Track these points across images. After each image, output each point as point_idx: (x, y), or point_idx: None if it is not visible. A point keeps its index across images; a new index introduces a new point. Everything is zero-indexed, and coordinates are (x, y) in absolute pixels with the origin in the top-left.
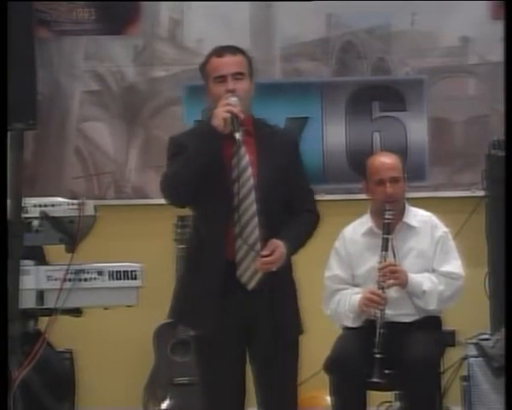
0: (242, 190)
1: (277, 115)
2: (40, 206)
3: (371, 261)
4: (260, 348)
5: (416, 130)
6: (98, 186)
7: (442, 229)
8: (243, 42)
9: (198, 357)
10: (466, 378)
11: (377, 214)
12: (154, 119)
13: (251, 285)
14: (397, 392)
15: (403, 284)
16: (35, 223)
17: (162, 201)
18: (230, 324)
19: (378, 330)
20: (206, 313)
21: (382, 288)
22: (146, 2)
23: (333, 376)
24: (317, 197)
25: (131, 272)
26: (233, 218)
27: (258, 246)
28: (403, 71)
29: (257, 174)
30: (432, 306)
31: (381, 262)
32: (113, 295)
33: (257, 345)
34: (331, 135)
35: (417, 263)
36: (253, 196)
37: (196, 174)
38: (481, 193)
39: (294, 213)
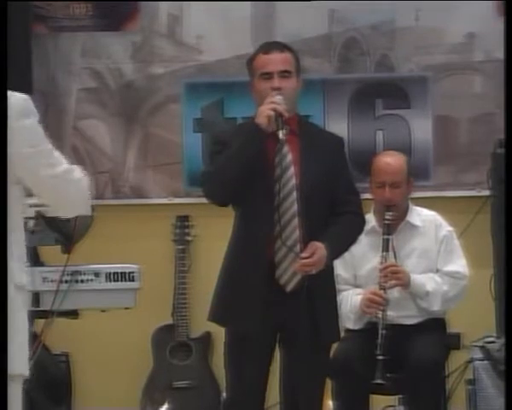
0: (284, 189)
1: None
2: (36, 206)
3: (373, 261)
4: (295, 350)
5: (421, 128)
6: (95, 186)
7: (446, 228)
8: (244, 38)
9: (229, 353)
10: (471, 382)
11: (380, 214)
12: (152, 116)
13: (289, 287)
14: (400, 396)
15: (405, 284)
16: (30, 223)
17: (161, 200)
18: (267, 323)
19: (380, 332)
20: (244, 312)
21: (384, 288)
22: None
23: (335, 379)
24: None
25: (129, 273)
26: (274, 217)
27: (298, 247)
28: (407, 68)
29: (299, 174)
30: (436, 307)
31: (381, 263)
32: (111, 297)
33: (292, 347)
34: None
35: (421, 263)
36: (294, 195)
37: (239, 172)
38: (487, 193)
39: (338, 215)
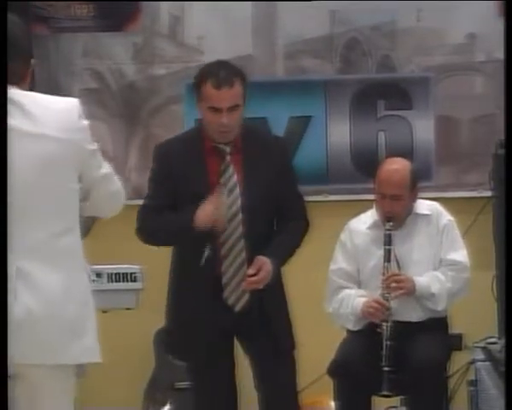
0: (229, 211)
1: (280, 114)
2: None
3: (377, 256)
4: (257, 363)
5: (422, 129)
6: None
7: (447, 217)
8: (245, 39)
9: (190, 378)
10: (473, 383)
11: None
12: (154, 117)
13: (238, 307)
14: (403, 396)
15: (410, 292)
16: None
17: None
18: (219, 341)
19: (385, 343)
20: (198, 343)
21: (387, 299)
22: None
23: (337, 380)
24: (321, 198)
25: (131, 274)
26: (219, 239)
27: (245, 268)
28: (408, 68)
29: (244, 195)
30: (441, 306)
31: (384, 274)
32: (113, 297)
33: (255, 355)
34: (335, 134)
35: (425, 252)
36: (239, 217)
37: (170, 241)
38: (488, 193)
39: (283, 221)
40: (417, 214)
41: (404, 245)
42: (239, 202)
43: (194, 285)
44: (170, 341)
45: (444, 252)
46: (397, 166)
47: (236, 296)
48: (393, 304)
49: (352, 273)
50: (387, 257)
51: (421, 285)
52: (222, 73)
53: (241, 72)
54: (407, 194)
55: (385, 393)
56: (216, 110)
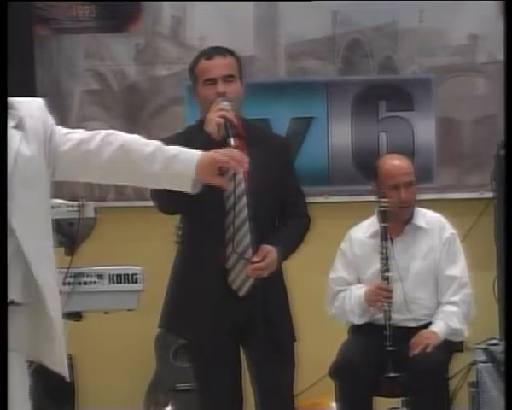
0: (234, 194)
1: (281, 115)
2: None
3: (377, 264)
4: (256, 354)
5: (424, 130)
6: (98, 188)
7: (450, 231)
8: (247, 40)
9: (192, 364)
10: (474, 384)
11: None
12: (155, 119)
13: (242, 292)
14: (404, 398)
15: (436, 343)
16: None
17: None
18: (224, 330)
19: (387, 323)
20: (199, 321)
21: (387, 279)
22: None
23: (338, 381)
24: (322, 199)
25: (132, 275)
26: (225, 223)
27: (250, 253)
28: (410, 69)
29: (248, 179)
30: (465, 332)
31: (382, 253)
32: (114, 298)
33: (253, 351)
34: (336, 135)
35: (425, 264)
36: (244, 200)
37: None
38: (490, 195)
39: (285, 217)
40: (418, 227)
41: (404, 255)
42: (243, 185)
43: (199, 272)
44: (173, 330)
45: (445, 265)
46: (400, 158)
47: (241, 281)
48: (394, 314)
49: (352, 282)
50: (384, 235)
51: (445, 332)
52: (213, 48)
53: (234, 52)
54: (415, 182)
55: (391, 375)
56: (211, 82)
